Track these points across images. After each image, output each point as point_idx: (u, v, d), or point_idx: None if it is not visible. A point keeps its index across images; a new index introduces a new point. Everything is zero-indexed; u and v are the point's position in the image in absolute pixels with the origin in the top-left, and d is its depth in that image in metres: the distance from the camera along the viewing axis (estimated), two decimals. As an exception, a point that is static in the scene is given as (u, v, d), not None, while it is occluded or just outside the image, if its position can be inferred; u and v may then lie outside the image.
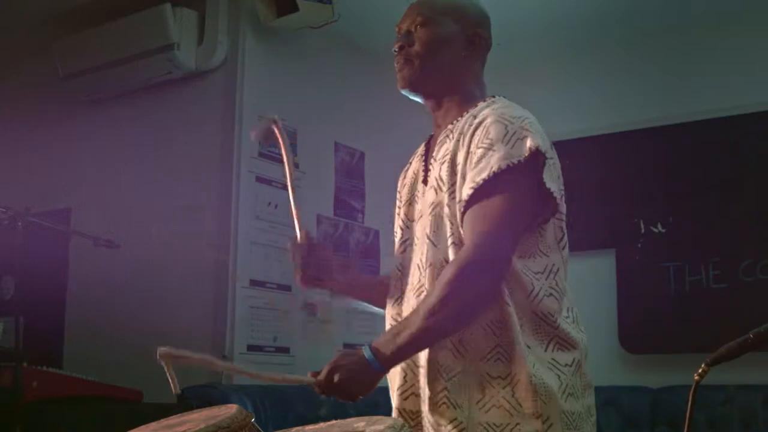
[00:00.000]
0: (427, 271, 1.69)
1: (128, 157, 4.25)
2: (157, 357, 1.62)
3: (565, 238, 1.71)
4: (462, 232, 1.63)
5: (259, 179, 3.98)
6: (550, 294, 1.64)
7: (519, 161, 1.59)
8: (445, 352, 1.63)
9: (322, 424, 1.48)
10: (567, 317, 1.66)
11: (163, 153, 4.14)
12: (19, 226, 3.06)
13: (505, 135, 1.61)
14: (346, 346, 4.34)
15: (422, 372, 1.66)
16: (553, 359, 1.61)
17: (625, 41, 4.47)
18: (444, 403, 1.61)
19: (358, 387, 1.58)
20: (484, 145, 1.61)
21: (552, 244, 1.68)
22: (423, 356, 1.66)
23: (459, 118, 1.76)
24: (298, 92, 4.25)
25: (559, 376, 1.61)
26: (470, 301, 1.58)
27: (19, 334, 3.11)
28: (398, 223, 1.87)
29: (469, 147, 1.65)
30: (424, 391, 1.65)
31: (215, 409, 1.44)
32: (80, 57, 4.12)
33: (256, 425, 1.39)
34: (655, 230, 4.27)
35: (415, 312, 1.61)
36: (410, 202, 1.84)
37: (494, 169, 1.58)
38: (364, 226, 4.59)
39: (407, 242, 1.81)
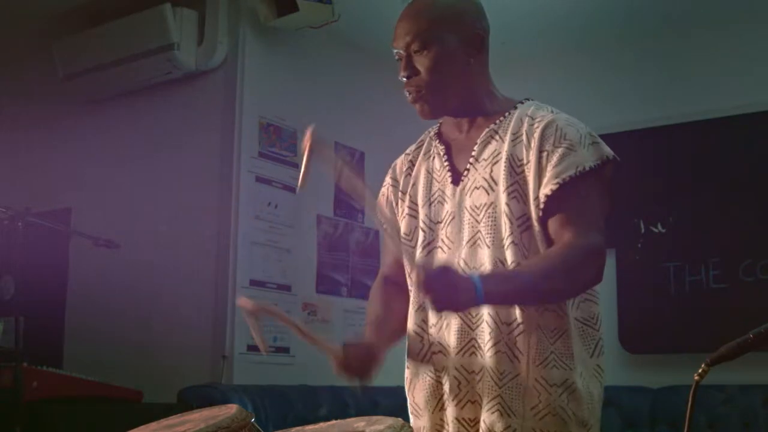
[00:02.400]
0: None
1: (128, 157, 4.24)
2: (239, 305, 1.55)
3: None
4: (536, 228, 1.63)
5: (259, 179, 3.98)
6: (586, 299, 1.65)
7: (597, 164, 1.63)
8: (500, 357, 1.61)
9: (322, 424, 1.48)
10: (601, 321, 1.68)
11: (163, 153, 4.14)
12: (19, 226, 3.06)
13: (580, 138, 1.64)
14: (346, 346, 4.34)
15: (477, 378, 1.64)
16: (597, 365, 1.64)
17: (625, 41, 4.47)
18: (498, 410, 1.59)
19: (456, 292, 1.46)
20: (565, 145, 1.63)
21: None
22: (476, 363, 1.64)
23: (501, 118, 1.72)
24: (298, 92, 4.25)
25: (600, 383, 1.64)
26: (581, 281, 1.59)
27: (19, 334, 3.11)
28: (414, 225, 1.79)
29: (540, 146, 1.64)
30: (480, 398, 1.63)
31: (215, 409, 1.44)
32: (80, 57, 4.12)
33: (256, 425, 1.39)
34: (655, 230, 4.27)
35: (527, 268, 1.59)
36: (430, 203, 1.77)
37: (580, 168, 1.61)
38: (364, 226, 4.59)
39: (432, 244, 1.75)
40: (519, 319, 1.61)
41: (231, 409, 1.36)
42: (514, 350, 1.60)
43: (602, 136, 1.70)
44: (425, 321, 1.73)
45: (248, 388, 3.47)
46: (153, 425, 1.46)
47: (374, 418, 1.43)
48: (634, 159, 4.37)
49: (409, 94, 1.73)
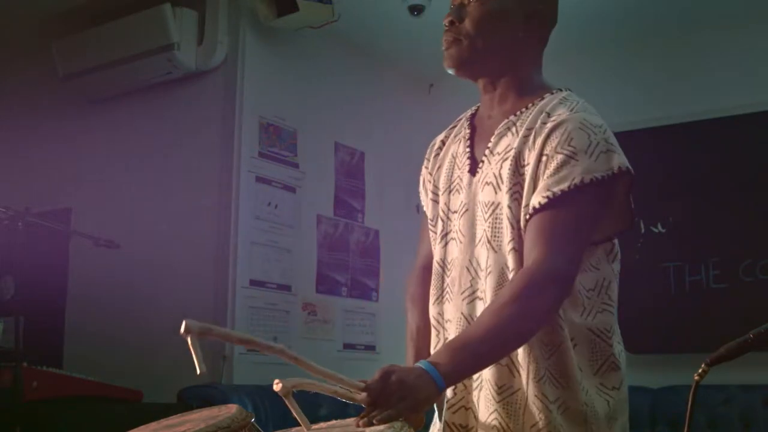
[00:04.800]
0: (489, 278, 1.54)
1: (128, 157, 4.25)
2: (182, 331, 1.40)
3: (616, 248, 1.60)
4: (524, 237, 1.50)
5: (259, 179, 3.98)
6: (603, 309, 1.55)
7: (603, 177, 1.48)
8: (501, 370, 1.51)
9: (322, 424, 1.48)
10: (617, 333, 1.59)
11: (163, 153, 4.14)
12: (19, 226, 3.06)
13: (588, 146, 1.49)
14: (346, 346, 4.34)
15: (474, 385, 1.55)
16: (601, 383, 1.54)
17: (625, 41, 4.47)
18: (495, 425, 1.50)
19: (418, 393, 1.31)
20: (566, 152, 1.48)
21: (602, 257, 1.57)
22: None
23: (523, 109, 1.60)
24: (298, 92, 4.25)
25: (608, 401, 1.55)
26: (534, 318, 1.44)
27: (19, 334, 3.11)
28: (437, 212, 1.68)
29: (542, 149, 1.51)
30: (476, 407, 1.55)
31: (215, 409, 1.43)
32: (80, 57, 4.12)
33: (256, 425, 1.39)
34: (655, 230, 4.27)
35: (475, 327, 1.45)
36: (450, 190, 1.66)
37: (576, 181, 1.46)
38: (364, 226, 4.59)
39: (448, 236, 1.64)
40: None
41: (231, 409, 1.35)
42: (515, 364, 1.51)
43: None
44: (441, 314, 1.64)
45: (248, 388, 3.47)
46: (153, 425, 1.45)
47: (374, 418, 1.42)
48: (634, 159, 4.36)
49: (445, 40, 1.62)
